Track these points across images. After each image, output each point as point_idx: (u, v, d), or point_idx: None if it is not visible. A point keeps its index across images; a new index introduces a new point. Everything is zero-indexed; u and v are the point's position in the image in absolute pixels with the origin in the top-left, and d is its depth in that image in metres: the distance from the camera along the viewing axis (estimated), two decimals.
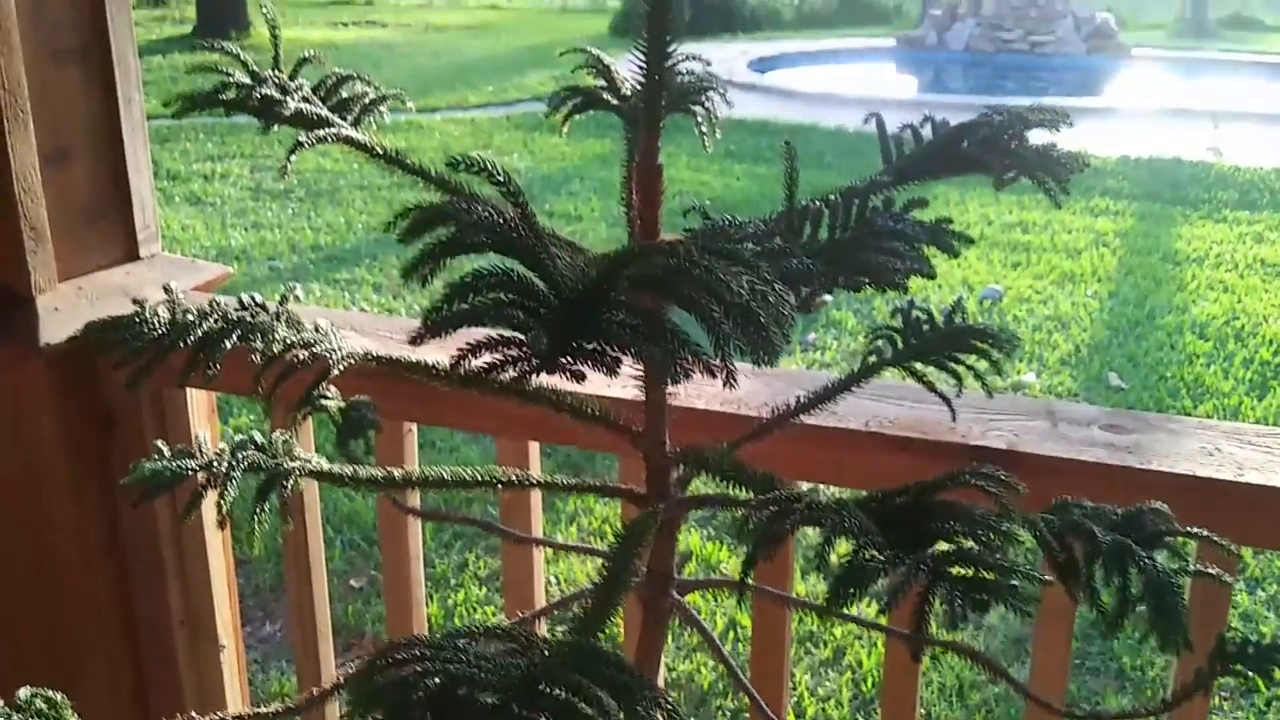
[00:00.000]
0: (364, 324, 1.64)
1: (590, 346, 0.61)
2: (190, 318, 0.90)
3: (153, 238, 1.80)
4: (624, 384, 1.42)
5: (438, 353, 1.12)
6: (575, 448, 4.42)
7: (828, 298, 5.47)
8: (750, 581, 1.02)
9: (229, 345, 0.89)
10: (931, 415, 1.39)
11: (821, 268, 0.85)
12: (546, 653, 0.72)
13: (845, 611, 1.04)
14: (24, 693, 0.91)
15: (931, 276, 0.91)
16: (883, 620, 1.23)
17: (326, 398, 1.25)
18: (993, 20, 16.38)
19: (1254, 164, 9.43)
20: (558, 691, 0.67)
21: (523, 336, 0.62)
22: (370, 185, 8.74)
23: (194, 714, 0.97)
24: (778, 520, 0.72)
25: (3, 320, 1.60)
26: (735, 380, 0.67)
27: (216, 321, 0.90)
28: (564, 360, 0.61)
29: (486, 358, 0.63)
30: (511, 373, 0.63)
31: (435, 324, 0.63)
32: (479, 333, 0.67)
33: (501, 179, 0.66)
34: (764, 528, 0.72)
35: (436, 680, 0.67)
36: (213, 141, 10.18)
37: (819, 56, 16.24)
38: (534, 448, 1.54)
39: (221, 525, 0.96)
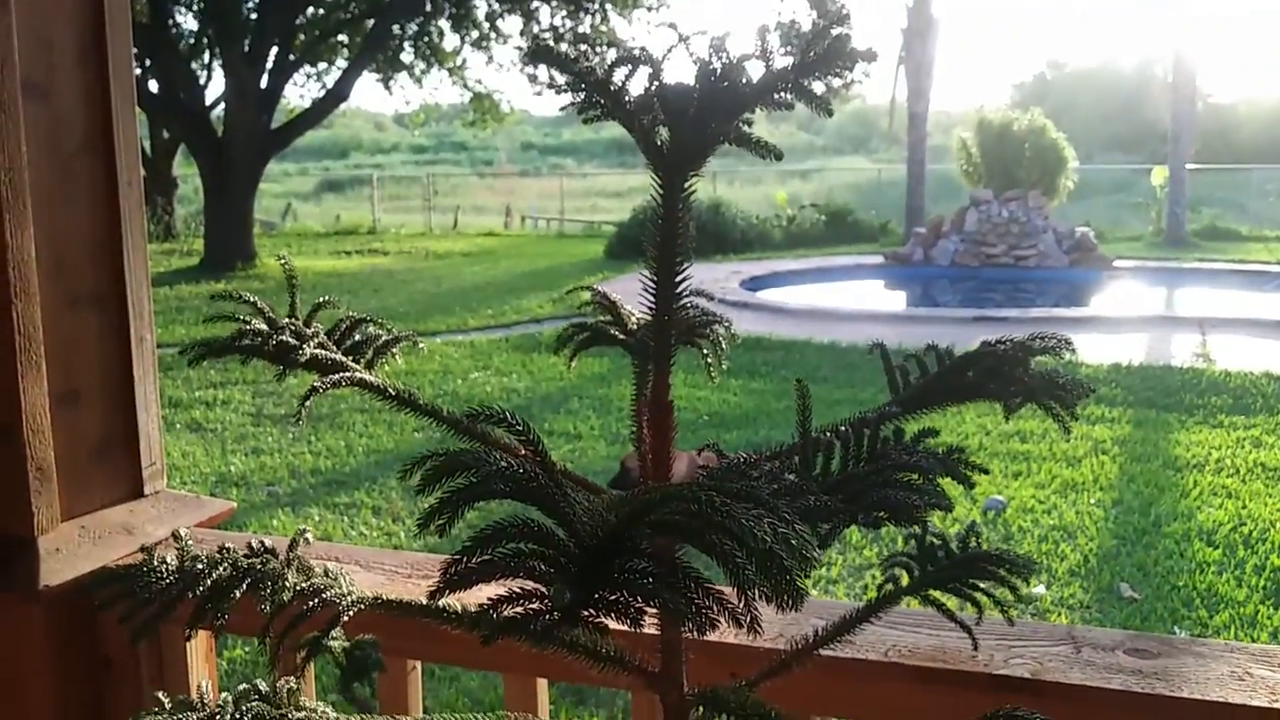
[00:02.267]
0: (369, 559, 1.62)
1: (613, 598, 0.60)
2: (200, 566, 0.89)
3: (158, 474, 1.79)
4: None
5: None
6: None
7: None
8: None
9: (238, 595, 0.87)
10: (952, 643, 1.36)
11: (839, 505, 0.85)
12: None
13: None
14: None
15: (949, 509, 0.90)
16: None
17: (331, 638, 1.23)
18: (976, 236, 16.91)
19: (1244, 368, 9.56)
20: None
21: (544, 589, 0.61)
22: (371, 409, 8.81)
23: None
24: None
25: (2, 564, 1.58)
26: (760, 627, 0.65)
27: (226, 569, 0.88)
28: (587, 613, 0.60)
29: (509, 611, 0.62)
30: (534, 627, 0.62)
31: (456, 577, 0.62)
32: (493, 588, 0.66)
33: (520, 428, 0.67)
34: None
35: None
36: (215, 369, 10.31)
37: (809, 275, 16.68)
38: (543, 684, 1.50)
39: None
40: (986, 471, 0.97)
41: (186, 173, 25.28)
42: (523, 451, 0.72)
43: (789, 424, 0.82)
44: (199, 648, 1.68)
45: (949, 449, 0.98)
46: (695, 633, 0.63)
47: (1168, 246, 20.43)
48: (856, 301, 14.22)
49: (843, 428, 1.03)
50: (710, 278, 15.18)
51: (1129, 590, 5.14)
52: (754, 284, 15.32)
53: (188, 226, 23.59)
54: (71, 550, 1.61)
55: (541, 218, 28.53)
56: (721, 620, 0.62)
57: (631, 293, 1.04)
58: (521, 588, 0.62)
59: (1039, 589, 5.17)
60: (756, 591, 0.63)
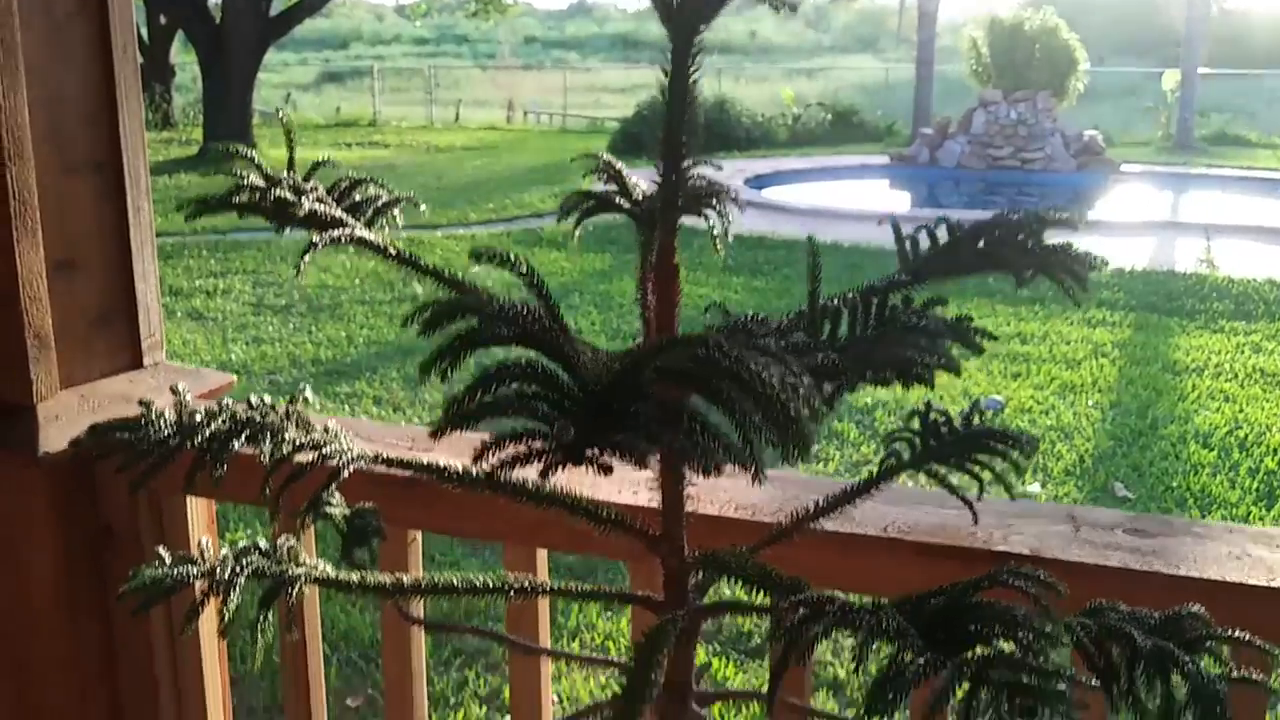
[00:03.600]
0: (370, 432, 1.61)
1: (617, 438, 0.59)
2: (198, 418, 0.88)
3: (157, 346, 1.78)
4: (635, 489, 1.39)
5: (448, 456, 1.10)
6: (577, 564, 4.35)
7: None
8: (769, 694, 0.98)
9: (237, 446, 0.86)
10: (951, 520, 1.36)
11: (847, 363, 0.84)
12: None
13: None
14: None
15: (957, 372, 0.89)
16: None
17: (331, 504, 1.22)
18: (983, 138, 16.71)
19: (1247, 275, 9.52)
20: None
21: (546, 429, 0.60)
22: (372, 300, 8.79)
23: None
24: (811, 622, 0.69)
25: (2, 431, 1.58)
26: (764, 475, 0.65)
27: (224, 422, 0.88)
28: (590, 452, 0.59)
29: (510, 450, 0.61)
30: (535, 467, 0.61)
31: (457, 415, 0.61)
32: (475, 437, 0.65)
33: (524, 270, 0.65)
34: (797, 630, 0.69)
35: None
36: (215, 258, 10.28)
37: (814, 174, 16.52)
38: (542, 556, 1.51)
39: (223, 635, 0.92)
40: (995, 338, 0.96)
41: (185, 60, 24.85)
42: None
43: None
44: (200, 517, 1.68)
45: (958, 316, 0.97)
46: (701, 474, 0.62)
47: (1176, 152, 20.20)
48: (861, 202, 14.10)
49: (851, 295, 1.01)
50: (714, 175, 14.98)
51: (1123, 490, 5.18)
52: (758, 182, 15.18)
53: (186, 115, 23.27)
54: (70, 418, 1.61)
55: (544, 112, 28.16)
56: (726, 462, 0.61)
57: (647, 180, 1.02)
58: (525, 426, 0.61)
59: (1034, 487, 5.21)
60: (762, 439, 0.62)
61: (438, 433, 0.62)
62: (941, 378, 1.11)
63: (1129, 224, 12.27)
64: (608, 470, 0.61)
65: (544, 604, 1.48)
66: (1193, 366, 7.12)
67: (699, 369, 0.63)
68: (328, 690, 1.99)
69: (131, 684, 1.68)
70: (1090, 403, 6.44)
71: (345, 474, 0.88)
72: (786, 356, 0.69)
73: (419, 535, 1.55)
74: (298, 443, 0.88)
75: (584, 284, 9.41)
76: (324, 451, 0.88)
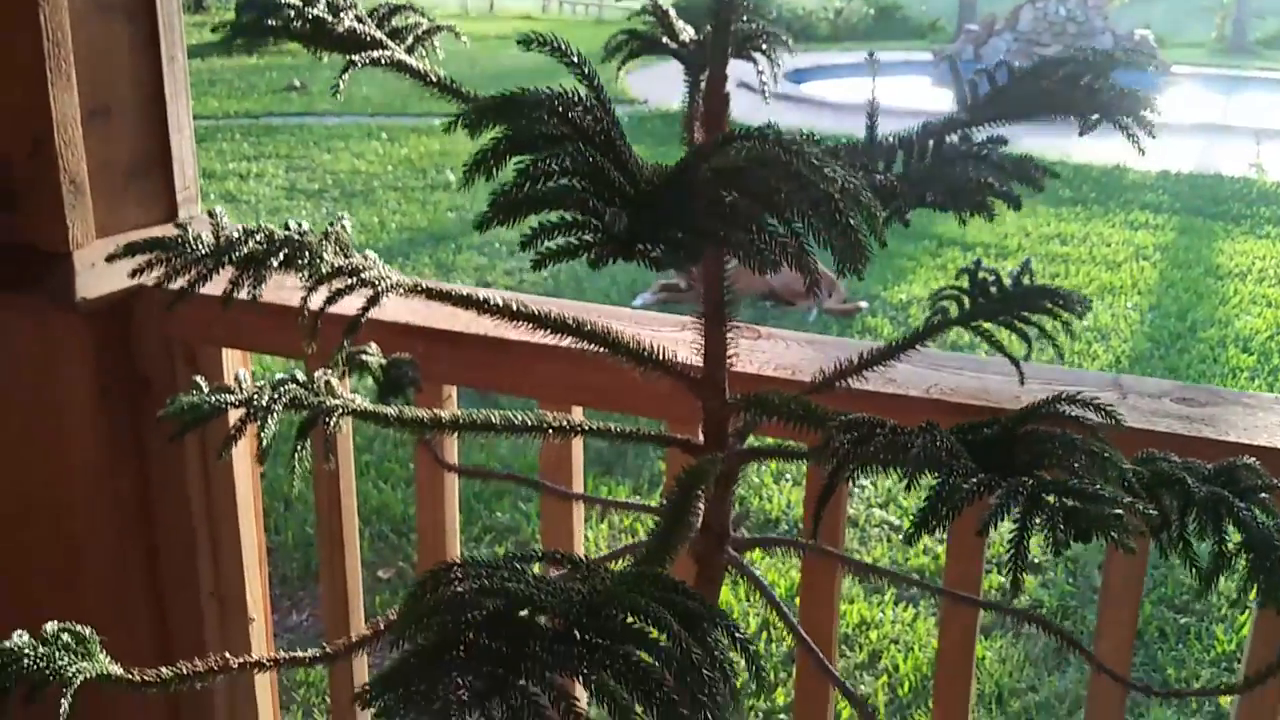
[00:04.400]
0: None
1: (671, 232, 0.57)
2: (235, 236, 0.86)
3: (192, 200, 1.76)
4: (675, 347, 1.37)
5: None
6: (607, 452, 4.38)
7: (863, 304, 5.37)
8: (806, 540, 0.96)
9: (275, 264, 0.84)
10: (995, 385, 1.34)
11: (904, 186, 0.80)
12: (609, 580, 0.67)
13: (908, 575, 0.98)
14: (51, 626, 0.87)
15: (1017, 205, 0.86)
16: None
17: (367, 354, 1.21)
18: (1030, 35, 16.28)
19: None
20: (622, 617, 0.62)
21: (597, 222, 0.58)
22: (404, 186, 8.75)
23: (220, 669, 0.92)
24: (863, 443, 0.67)
25: (38, 275, 1.57)
26: (820, 285, 0.62)
27: (262, 241, 0.86)
28: (642, 246, 0.57)
29: (560, 240, 0.59)
30: (587, 257, 0.58)
31: (503, 207, 0.58)
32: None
33: (575, 59, 0.62)
34: (850, 449, 0.67)
35: (495, 601, 0.62)
36: (249, 142, 10.23)
37: (855, 69, 16.17)
38: (577, 414, 1.50)
39: (260, 461, 0.92)
40: (1057, 175, 0.92)
41: None
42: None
43: None
44: (234, 371, 1.68)
45: (1020, 155, 0.93)
46: (756, 271, 0.59)
47: (1229, 54, 19.65)
48: (901, 99, 13.82)
49: (906, 133, 0.98)
50: (752, 68, 14.72)
51: None
52: (797, 76, 14.87)
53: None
54: (107, 266, 1.60)
55: (580, 3, 27.64)
56: (781, 262, 0.59)
57: (672, 76, 0.98)
58: (574, 217, 0.58)
59: None
60: (820, 240, 0.59)
61: (483, 226, 0.60)
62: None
63: (1178, 126, 11.97)
64: (659, 265, 0.58)
65: (578, 453, 1.47)
66: (1236, 271, 7.00)
67: (757, 165, 0.60)
68: (360, 562, 2.01)
69: (168, 531, 1.70)
70: (1129, 305, 6.36)
71: (385, 299, 0.86)
72: (846, 164, 0.66)
73: (454, 392, 1.55)
74: (337, 265, 0.86)
75: None
76: (363, 277, 0.86)
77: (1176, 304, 6.37)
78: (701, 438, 1.01)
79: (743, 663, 0.64)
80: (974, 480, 0.63)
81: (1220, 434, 1.23)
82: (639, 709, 0.59)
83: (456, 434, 1.45)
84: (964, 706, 1.43)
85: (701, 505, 0.92)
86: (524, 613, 0.62)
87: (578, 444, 1.48)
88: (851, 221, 0.61)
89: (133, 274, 0.87)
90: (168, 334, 1.62)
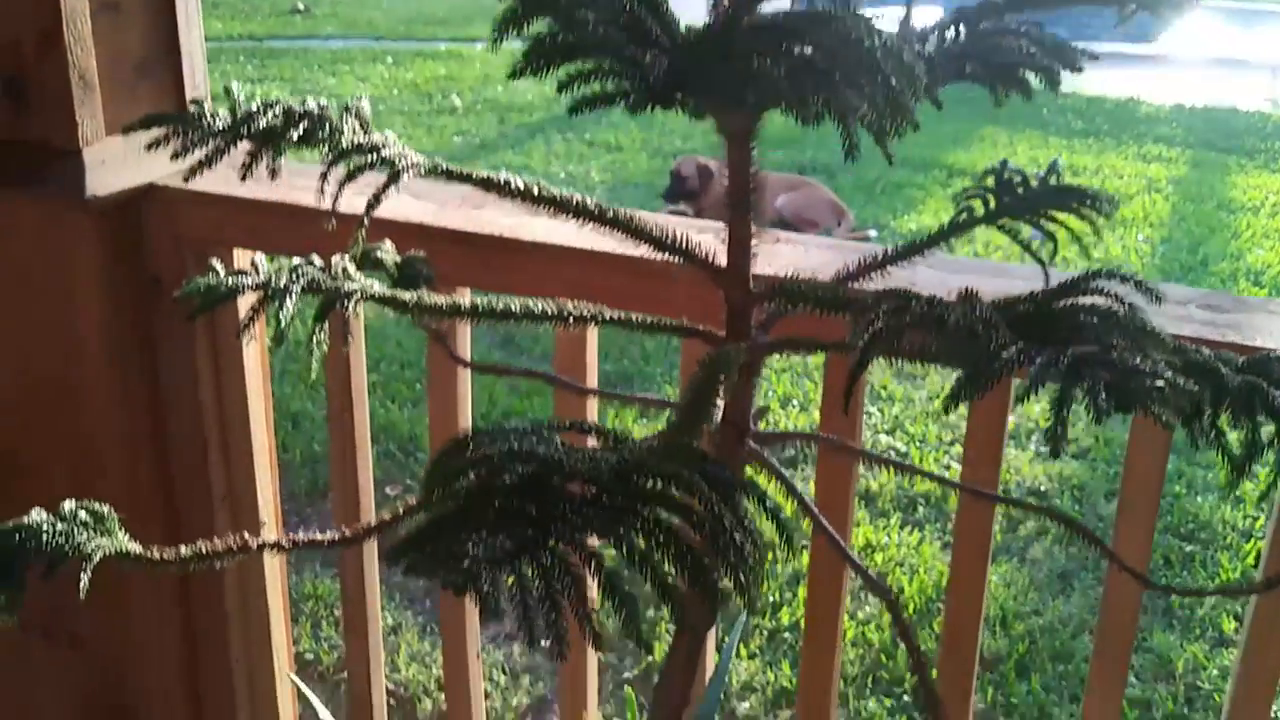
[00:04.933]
0: (419, 189, 1.58)
1: (712, 80, 0.55)
2: (254, 109, 0.84)
3: (201, 100, 1.73)
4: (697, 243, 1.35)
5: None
6: (615, 373, 4.37)
7: (872, 232, 5.32)
8: (824, 435, 0.96)
9: (294, 137, 0.82)
10: (1018, 288, 1.31)
11: (940, 60, 0.78)
12: (637, 449, 0.66)
13: (926, 469, 0.97)
14: (69, 504, 0.86)
15: (1056, 83, 0.83)
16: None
17: (382, 250, 1.20)
18: None
19: None
20: (653, 481, 0.62)
21: (634, 70, 0.56)
22: (410, 110, 8.66)
23: (239, 549, 0.92)
24: (897, 315, 0.66)
25: (48, 172, 1.55)
26: (856, 144, 0.60)
27: (280, 115, 0.84)
28: (681, 94, 0.55)
29: (597, 85, 0.57)
30: (625, 103, 0.56)
31: (538, 54, 0.56)
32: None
33: None
34: (883, 324, 0.66)
35: (525, 465, 0.61)
36: (253, 64, 10.12)
37: None
38: (592, 336, 1.49)
39: (277, 343, 0.91)
40: (1097, 57, 0.89)
41: None
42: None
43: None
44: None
45: (1058, 39, 0.90)
46: (803, 123, 0.58)
47: None
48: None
49: (940, 20, 0.95)
50: None
51: None
52: None
53: None
54: (117, 164, 1.58)
55: None
56: (824, 116, 0.57)
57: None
58: (612, 64, 0.56)
59: None
60: (863, 95, 0.57)
61: (516, 74, 0.58)
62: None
63: (1192, 59, 11.81)
64: (700, 115, 0.57)
65: (592, 351, 1.46)
66: (1248, 205, 6.94)
67: (794, 25, 0.58)
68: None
69: (179, 431, 1.70)
70: (1140, 237, 6.31)
71: (405, 177, 0.84)
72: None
73: (468, 293, 1.53)
74: (356, 141, 0.84)
75: None
76: (383, 154, 0.84)
77: (1188, 237, 6.32)
78: (724, 332, 1.00)
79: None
80: (1014, 349, 0.62)
81: (1247, 339, 1.22)
82: (670, 570, 0.58)
83: (470, 329, 1.44)
84: (974, 626, 1.43)
85: (721, 397, 0.91)
86: (555, 479, 0.61)
87: (592, 345, 1.47)
88: (895, 84, 0.59)
89: (149, 147, 0.85)
90: (178, 233, 1.60)
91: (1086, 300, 0.78)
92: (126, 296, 1.61)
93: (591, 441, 0.73)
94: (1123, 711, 1.40)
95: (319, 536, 0.92)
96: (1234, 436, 0.85)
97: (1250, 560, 3.27)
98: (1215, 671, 2.87)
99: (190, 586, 1.79)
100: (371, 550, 1.80)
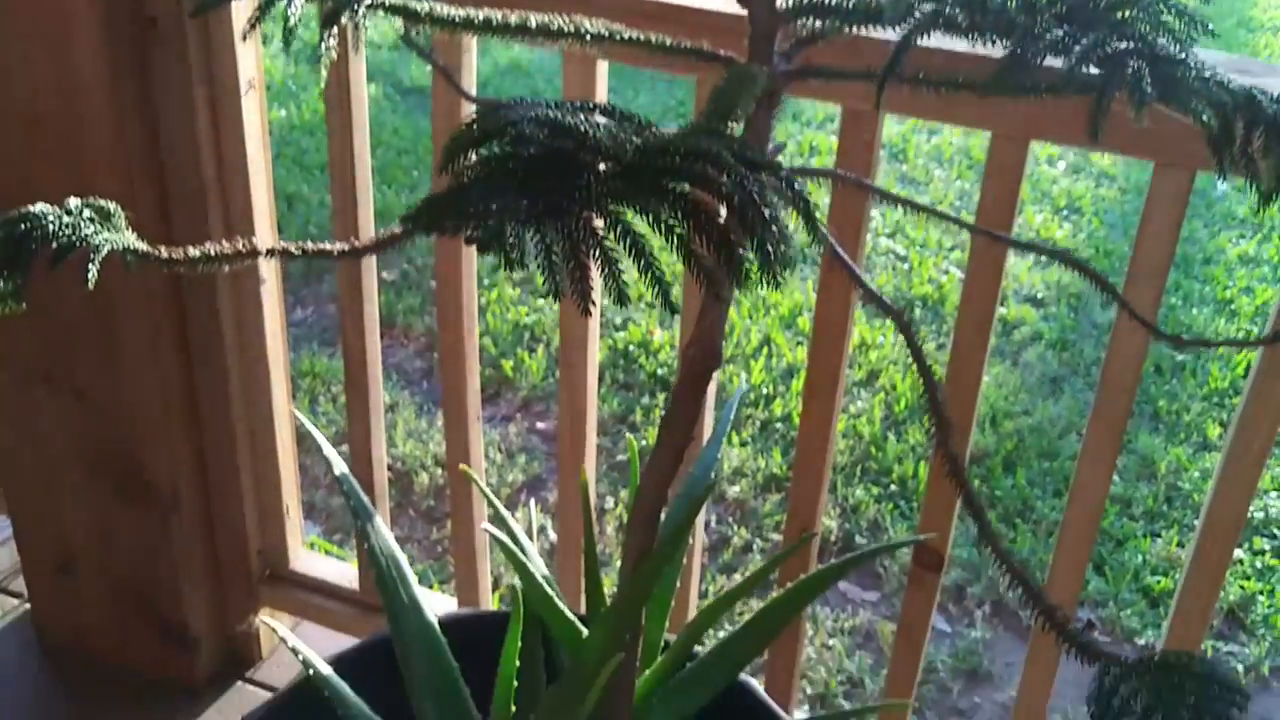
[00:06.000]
0: None
1: None
2: None
3: None
4: None
5: None
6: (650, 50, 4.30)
7: None
8: (841, 171, 0.94)
9: None
10: None
11: None
12: (665, 132, 0.64)
13: (937, 209, 0.96)
14: (74, 201, 0.85)
15: None
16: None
17: None
18: None
19: None
20: (681, 158, 0.60)
21: None
22: None
23: (247, 253, 0.91)
24: (937, 7, 0.63)
25: None
26: None
27: None
28: None
29: None
30: None
31: None
32: None
33: None
34: (927, 13, 0.63)
35: (551, 137, 0.59)
36: None
37: None
38: (602, 69, 1.45)
39: (286, 43, 0.87)
40: None
41: None
42: None
43: None
44: (243, 15, 1.61)
45: None
46: None
47: None
48: None
49: None
50: None
51: None
52: None
53: None
54: None
55: None
56: None
57: None
58: None
59: None
60: None
61: None
62: None
63: None
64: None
65: (601, 81, 1.43)
66: (1269, 26, 6.76)
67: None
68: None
69: (176, 179, 1.67)
70: None
71: None
72: None
73: (473, 43, 1.48)
74: None
75: None
76: None
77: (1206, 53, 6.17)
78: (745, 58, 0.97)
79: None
80: (1058, 31, 0.59)
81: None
82: (698, 239, 0.57)
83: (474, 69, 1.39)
84: (980, 357, 1.42)
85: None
86: (586, 157, 0.59)
87: (602, 80, 1.43)
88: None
89: None
90: None
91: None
92: (122, 34, 1.56)
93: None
94: (1104, 503, 1.43)
95: (327, 246, 0.91)
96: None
97: (1240, 370, 3.31)
98: (1197, 474, 2.94)
99: (189, 338, 1.79)
100: (373, 314, 1.79)
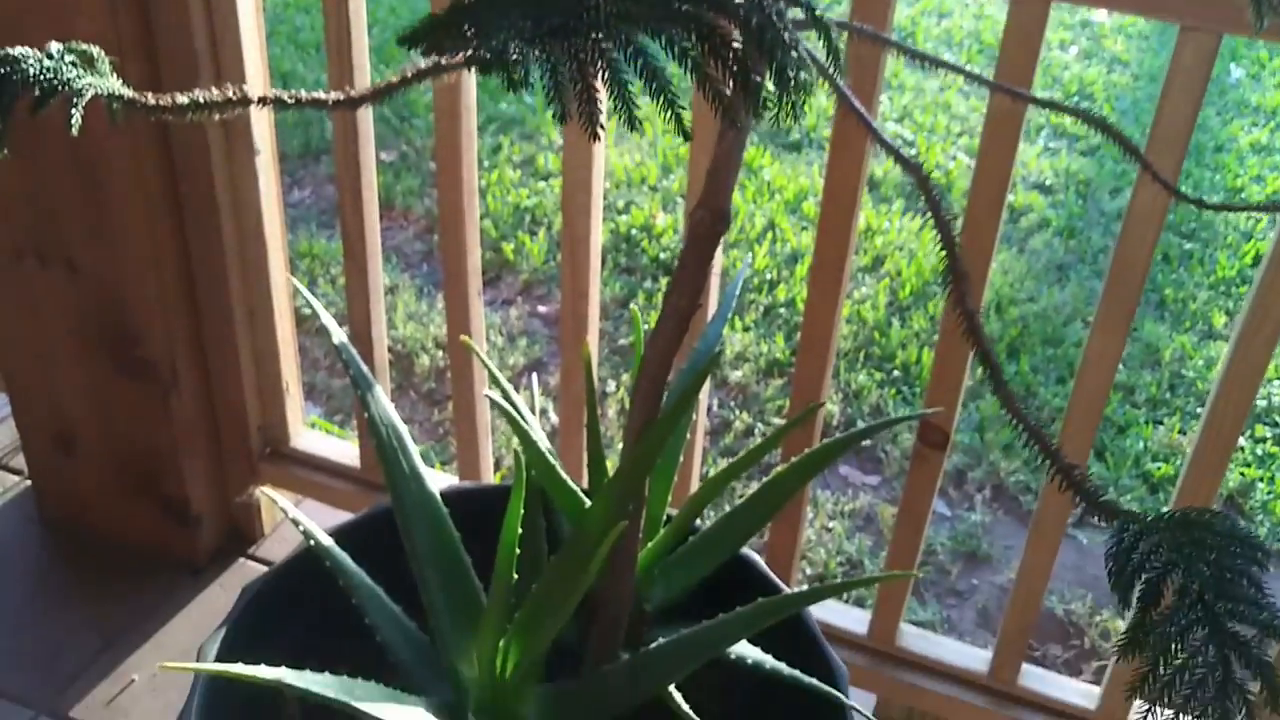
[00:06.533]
0: None
1: None
2: None
3: None
4: None
5: None
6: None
7: None
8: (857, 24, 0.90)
9: None
10: None
11: None
12: None
13: (944, 60, 0.92)
14: (56, 45, 0.81)
15: None
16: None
17: None
18: None
19: None
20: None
21: None
22: None
23: (239, 101, 0.87)
24: None
25: None
26: None
27: None
28: None
29: None
30: None
31: None
32: None
33: None
34: None
35: None
36: None
37: None
38: None
39: None
40: None
41: None
42: None
43: None
44: None
45: None
46: None
47: None
48: None
49: None
50: None
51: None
52: None
53: None
54: None
55: None
56: None
57: None
58: None
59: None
60: None
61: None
62: None
63: None
64: None
65: None
66: None
67: None
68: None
69: (168, 61, 1.62)
70: None
71: None
72: None
73: None
74: None
75: None
76: None
77: None
78: None
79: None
80: None
81: None
82: (712, 64, 0.54)
83: None
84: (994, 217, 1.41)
85: None
86: None
87: None
88: None
89: None
90: None
91: None
92: None
93: None
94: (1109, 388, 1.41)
95: (318, 94, 0.87)
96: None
97: (1248, 259, 3.27)
98: (1201, 362, 2.92)
99: (183, 212, 1.76)
100: (371, 189, 1.75)
